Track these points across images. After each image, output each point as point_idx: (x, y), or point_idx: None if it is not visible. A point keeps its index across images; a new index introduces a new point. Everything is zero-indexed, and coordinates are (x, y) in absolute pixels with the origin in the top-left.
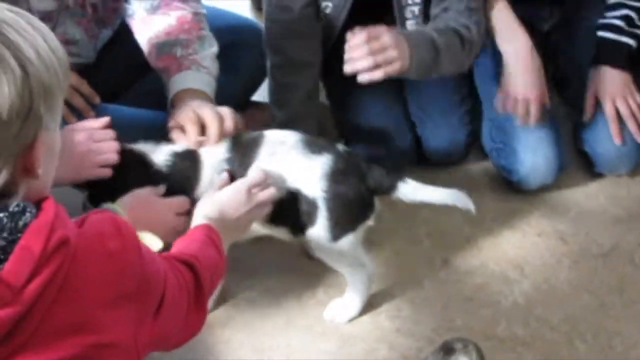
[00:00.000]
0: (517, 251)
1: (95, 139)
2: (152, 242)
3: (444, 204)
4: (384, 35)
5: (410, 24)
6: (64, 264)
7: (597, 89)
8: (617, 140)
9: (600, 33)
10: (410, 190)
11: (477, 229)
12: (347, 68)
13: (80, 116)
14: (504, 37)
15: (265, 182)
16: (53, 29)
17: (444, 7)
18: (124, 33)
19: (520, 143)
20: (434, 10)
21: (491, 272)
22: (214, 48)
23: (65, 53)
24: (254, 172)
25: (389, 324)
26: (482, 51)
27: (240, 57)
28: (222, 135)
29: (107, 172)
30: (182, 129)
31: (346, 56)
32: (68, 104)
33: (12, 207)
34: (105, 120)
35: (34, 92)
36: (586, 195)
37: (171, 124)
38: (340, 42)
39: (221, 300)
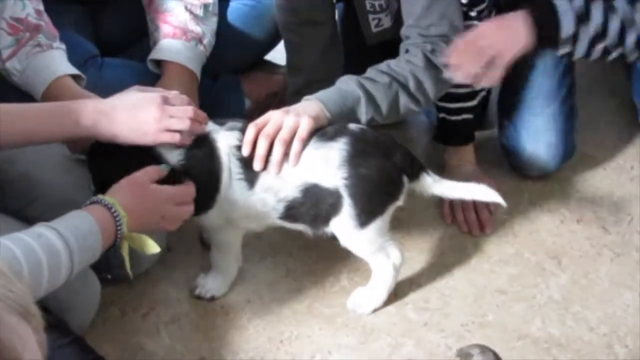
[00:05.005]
0: (554, 239)
1: (169, 102)
2: (149, 247)
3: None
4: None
5: None
6: None
7: None
8: None
9: None
10: (432, 183)
11: (512, 210)
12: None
13: None
14: None
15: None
16: None
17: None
18: None
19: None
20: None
21: (526, 261)
22: (214, 20)
23: None
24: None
25: (415, 316)
26: None
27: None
28: None
29: (176, 138)
30: None
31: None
32: None
33: None
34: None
35: None
36: (631, 177)
37: None
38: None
39: (240, 281)
